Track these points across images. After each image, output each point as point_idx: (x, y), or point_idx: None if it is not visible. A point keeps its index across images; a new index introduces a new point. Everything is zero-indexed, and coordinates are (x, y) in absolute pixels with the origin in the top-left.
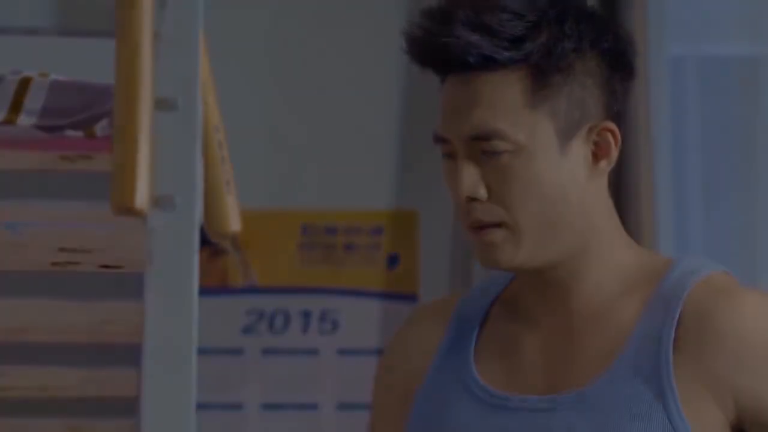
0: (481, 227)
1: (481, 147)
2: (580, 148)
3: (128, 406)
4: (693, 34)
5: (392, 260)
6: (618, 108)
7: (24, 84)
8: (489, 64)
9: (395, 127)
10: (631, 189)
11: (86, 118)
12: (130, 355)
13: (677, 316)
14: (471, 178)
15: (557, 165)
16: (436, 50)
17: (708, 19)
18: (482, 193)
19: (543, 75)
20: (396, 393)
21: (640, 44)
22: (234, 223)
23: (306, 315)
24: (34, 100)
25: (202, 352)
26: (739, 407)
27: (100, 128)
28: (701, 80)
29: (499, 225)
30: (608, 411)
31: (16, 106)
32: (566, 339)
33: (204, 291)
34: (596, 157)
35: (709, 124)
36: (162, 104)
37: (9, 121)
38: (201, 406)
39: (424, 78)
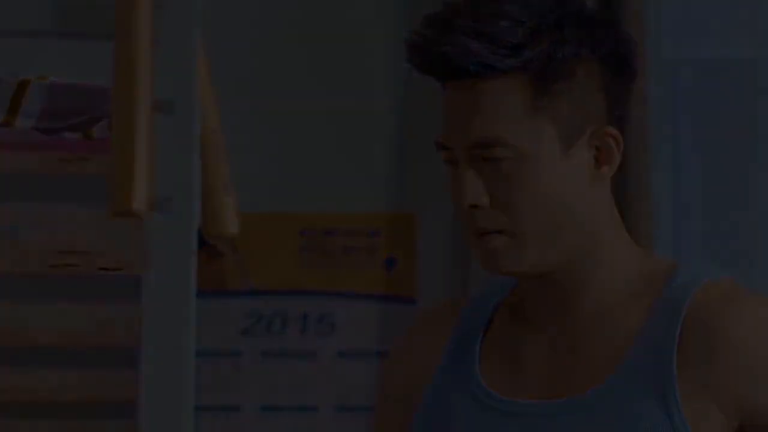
0: (483, 234)
1: (483, 154)
2: (582, 154)
3: (127, 408)
4: (690, 37)
5: (390, 263)
6: (620, 112)
7: (22, 86)
8: (489, 71)
9: (393, 131)
10: (629, 191)
11: (84, 121)
12: (128, 357)
13: (680, 323)
14: (473, 186)
15: (559, 171)
16: (436, 58)
17: (705, 21)
18: (485, 200)
19: (544, 81)
20: (399, 399)
21: (638, 47)
22: (232, 225)
23: (304, 317)
24: (32, 103)
25: (200, 354)
26: (742, 413)
27: (99, 130)
28: (699, 83)
29: (501, 232)
30: (610, 418)
31: (14, 108)
32: (570, 344)
33: (202, 293)
34: (599, 162)
35: (706, 126)
36: (160, 107)
37: (7, 123)
38: (199, 408)
39: (423, 81)
